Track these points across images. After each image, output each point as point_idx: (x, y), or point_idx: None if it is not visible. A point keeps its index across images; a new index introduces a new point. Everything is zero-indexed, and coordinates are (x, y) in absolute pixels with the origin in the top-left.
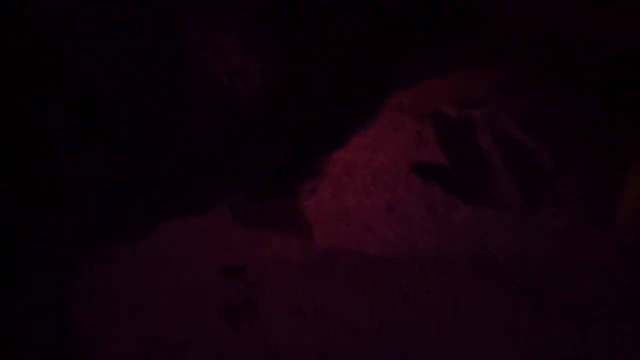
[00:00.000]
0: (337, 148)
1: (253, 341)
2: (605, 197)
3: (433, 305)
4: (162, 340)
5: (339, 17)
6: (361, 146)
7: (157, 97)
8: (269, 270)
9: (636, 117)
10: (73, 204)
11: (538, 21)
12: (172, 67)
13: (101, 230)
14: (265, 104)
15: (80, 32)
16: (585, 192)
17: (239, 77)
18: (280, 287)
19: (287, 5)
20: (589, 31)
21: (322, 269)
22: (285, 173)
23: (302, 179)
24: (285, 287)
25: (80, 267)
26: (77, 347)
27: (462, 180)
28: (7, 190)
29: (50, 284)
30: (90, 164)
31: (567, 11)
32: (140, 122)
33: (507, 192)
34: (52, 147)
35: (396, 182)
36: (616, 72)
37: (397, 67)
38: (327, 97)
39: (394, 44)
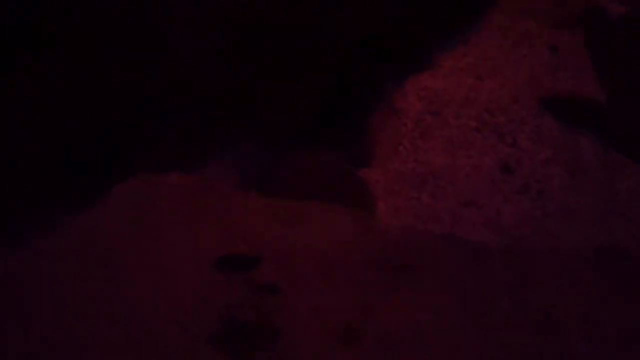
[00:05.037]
0: (416, 70)
1: None
2: None
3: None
4: None
5: None
6: (459, 69)
7: None
8: (301, 266)
9: None
10: None
11: None
12: None
13: (18, 196)
14: None
15: None
16: None
17: None
18: (321, 295)
19: None
20: None
21: (392, 264)
22: (328, 110)
23: (356, 120)
24: (330, 296)
25: None
26: None
27: (631, 124)
28: None
29: None
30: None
31: None
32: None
33: None
34: None
35: (517, 128)
36: None
37: None
38: None
39: None
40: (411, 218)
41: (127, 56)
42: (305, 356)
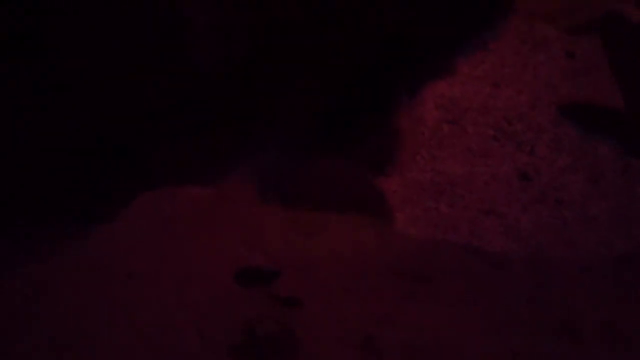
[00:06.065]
0: (434, 78)
1: None
2: None
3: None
4: None
5: None
6: (476, 77)
7: None
8: (321, 277)
9: None
10: None
11: None
12: None
13: (34, 209)
14: None
15: None
16: None
17: None
18: (341, 306)
19: None
20: None
21: (412, 274)
22: (345, 118)
23: (373, 128)
24: (350, 306)
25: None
26: None
27: None
28: None
29: None
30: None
31: None
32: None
33: None
34: None
35: (535, 136)
36: None
37: None
38: None
39: None
40: (430, 228)
41: (143, 64)
42: None
